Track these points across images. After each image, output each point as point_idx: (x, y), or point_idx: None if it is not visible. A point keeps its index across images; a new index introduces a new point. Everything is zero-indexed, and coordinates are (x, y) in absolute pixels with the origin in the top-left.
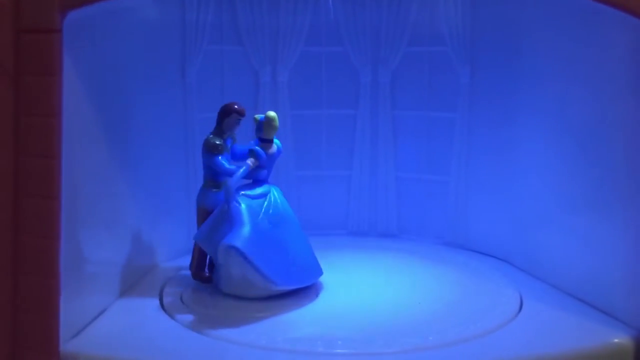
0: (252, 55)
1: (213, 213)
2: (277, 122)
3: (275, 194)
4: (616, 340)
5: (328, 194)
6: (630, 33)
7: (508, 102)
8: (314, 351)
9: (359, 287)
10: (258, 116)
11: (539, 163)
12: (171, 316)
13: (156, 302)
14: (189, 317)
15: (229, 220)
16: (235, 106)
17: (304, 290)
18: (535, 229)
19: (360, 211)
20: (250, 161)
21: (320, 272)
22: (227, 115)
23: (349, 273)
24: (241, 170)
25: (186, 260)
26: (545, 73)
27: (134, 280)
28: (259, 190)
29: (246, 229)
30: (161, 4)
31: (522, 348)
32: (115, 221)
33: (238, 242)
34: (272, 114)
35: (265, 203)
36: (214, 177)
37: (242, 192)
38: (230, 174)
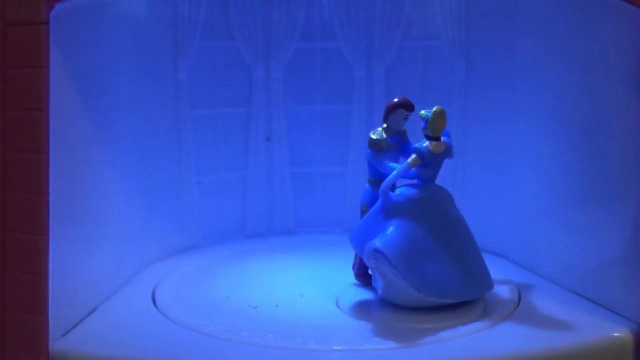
0: (245, 51)
1: (367, 212)
2: (442, 118)
3: (441, 195)
4: (616, 334)
5: (323, 190)
6: (630, 23)
7: (504, 96)
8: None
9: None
10: (424, 112)
11: (536, 157)
12: (164, 315)
13: (148, 300)
14: (182, 316)
15: (381, 221)
16: (402, 101)
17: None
18: (533, 223)
19: (355, 208)
20: (410, 159)
21: (489, 287)
22: (392, 111)
23: (348, 270)
24: (397, 169)
25: (178, 259)
26: (541, 66)
27: (126, 278)
28: (421, 192)
29: (394, 232)
30: None
31: (521, 343)
32: (106, 218)
33: (382, 245)
34: (438, 109)
35: (426, 205)
36: (375, 175)
37: (402, 192)
38: (388, 172)
